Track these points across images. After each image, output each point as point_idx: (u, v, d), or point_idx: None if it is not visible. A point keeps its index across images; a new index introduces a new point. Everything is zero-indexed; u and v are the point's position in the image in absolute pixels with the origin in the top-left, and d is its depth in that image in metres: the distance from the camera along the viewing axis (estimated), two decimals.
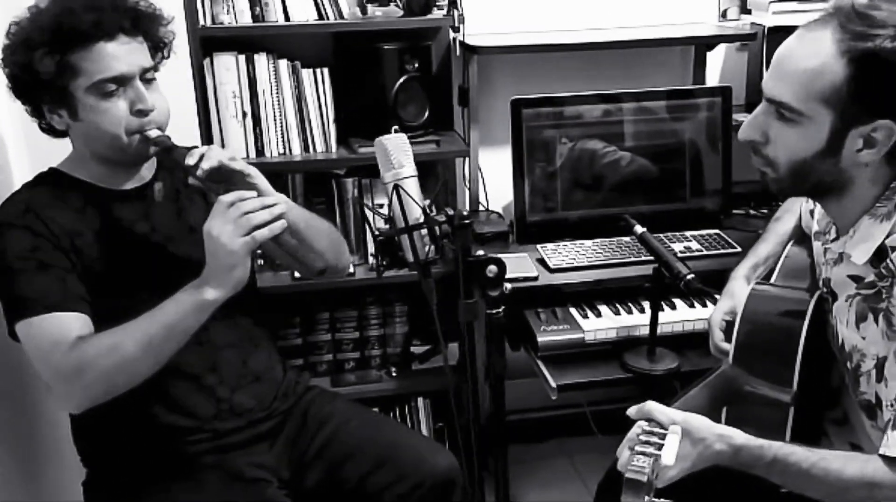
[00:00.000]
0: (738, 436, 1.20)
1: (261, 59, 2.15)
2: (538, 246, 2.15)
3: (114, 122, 1.45)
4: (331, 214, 2.29)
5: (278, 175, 2.15)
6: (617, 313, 1.95)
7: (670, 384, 2.15)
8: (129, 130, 1.47)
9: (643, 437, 1.07)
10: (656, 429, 1.10)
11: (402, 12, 2.17)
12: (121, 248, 1.54)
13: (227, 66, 2.14)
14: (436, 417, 2.48)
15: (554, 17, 2.46)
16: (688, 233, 2.18)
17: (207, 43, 2.12)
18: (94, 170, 1.56)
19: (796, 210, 1.67)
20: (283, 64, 2.17)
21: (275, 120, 2.19)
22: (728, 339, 1.62)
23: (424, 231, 1.35)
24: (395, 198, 1.32)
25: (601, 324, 1.90)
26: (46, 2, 1.47)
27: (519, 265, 2.03)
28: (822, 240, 1.43)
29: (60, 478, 1.89)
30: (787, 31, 2.26)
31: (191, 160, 1.42)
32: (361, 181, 2.29)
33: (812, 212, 1.56)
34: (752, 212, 2.36)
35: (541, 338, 1.86)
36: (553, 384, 1.79)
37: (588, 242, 2.15)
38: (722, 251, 2.10)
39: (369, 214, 2.23)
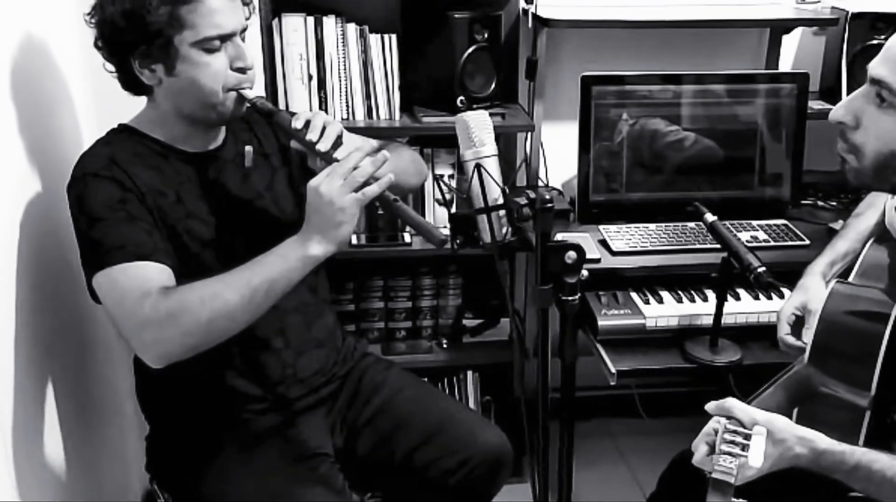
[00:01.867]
0: (821, 440, 1.17)
1: (329, 22, 2.12)
2: (600, 227, 2.12)
3: (215, 77, 1.44)
4: None
5: None
6: (679, 301, 1.91)
7: (726, 376, 2.13)
8: (227, 86, 1.46)
9: (727, 436, 1.05)
10: (740, 429, 1.08)
11: None
12: (200, 209, 1.53)
13: (294, 28, 2.12)
14: (483, 391, 2.48)
15: None
16: (754, 223, 2.12)
17: (277, 2, 2.10)
18: (172, 130, 1.53)
19: (880, 205, 1.62)
20: (351, 28, 2.14)
21: (340, 84, 2.17)
22: (796, 334, 1.59)
23: (502, 212, 1.32)
24: (475, 176, 1.29)
25: (663, 311, 1.87)
26: None
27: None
28: None
29: (121, 435, 1.92)
30: (871, 16, 2.22)
31: (313, 135, 1.42)
32: (423, 150, 2.27)
33: None
34: (820, 203, 2.30)
35: (602, 322, 1.83)
36: (613, 369, 1.77)
37: (652, 226, 2.11)
38: (790, 243, 2.05)
39: (439, 188, 2.20)
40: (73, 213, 1.44)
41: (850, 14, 2.22)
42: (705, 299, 1.92)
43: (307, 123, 1.45)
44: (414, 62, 2.22)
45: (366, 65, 2.17)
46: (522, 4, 2.27)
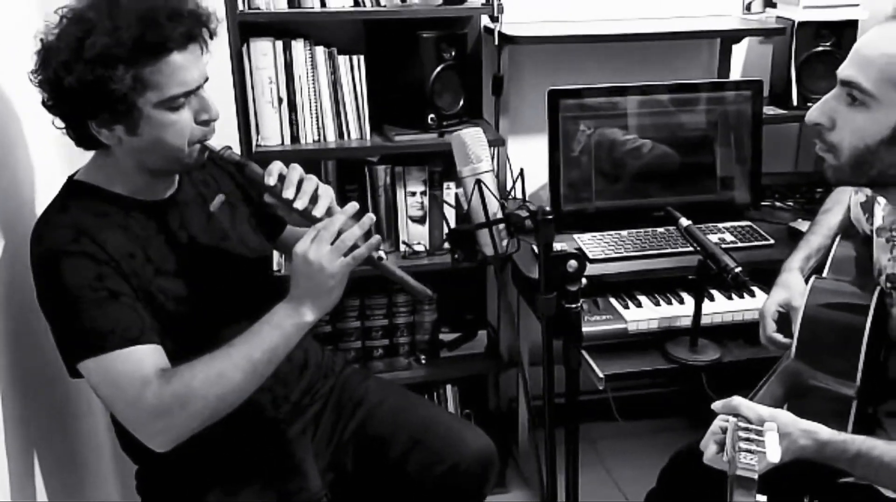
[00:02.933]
0: (823, 432, 1.23)
1: (297, 45, 2.13)
2: (574, 236, 2.17)
3: (180, 133, 1.37)
4: (363, 202, 2.29)
5: (312, 162, 2.14)
6: (657, 304, 1.98)
7: (698, 375, 2.20)
8: (192, 140, 1.40)
9: (742, 434, 1.09)
10: (752, 426, 1.13)
11: (440, 0, 2.16)
12: (168, 263, 1.47)
13: (264, 52, 2.12)
14: (464, 404, 2.51)
15: (582, 8, 2.47)
16: (720, 225, 2.21)
17: (245, 28, 2.10)
18: (132, 183, 1.45)
19: (845, 201, 1.70)
20: (320, 50, 2.15)
21: (310, 106, 2.18)
22: (781, 331, 1.66)
23: (502, 225, 1.36)
24: (475, 193, 1.33)
25: (643, 315, 1.93)
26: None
27: None
28: (885, 235, 1.46)
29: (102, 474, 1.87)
30: (816, 25, 2.33)
31: (289, 192, 1.40)
32: (395, 169, 2.29)
33: (864, 205, 1.59)
34: (778, 204, 2.40)
35: (585, 328, 1.84)
36: (601, 374, 1.82)
37: (623, 232, 2.17)
38: (756, 243, 2.13)
39: (407, 202, 2.22)
40: (44, 294, 1.36)
41: (796, 23, 2.32)
42: (681, 301, 1.99)
43: (281, 178, 1.41)
44: (383, 82, 2.24)
45: (335, 86, 2.18)
46: (486, 23, 2.31)
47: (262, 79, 2.13)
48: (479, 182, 1.32)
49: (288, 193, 1.39)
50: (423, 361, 2.42)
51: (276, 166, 1.42)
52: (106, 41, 1.26)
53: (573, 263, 1.31)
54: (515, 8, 2.35)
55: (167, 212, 1.51)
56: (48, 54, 1.31)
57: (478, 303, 2.56)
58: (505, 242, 1.37)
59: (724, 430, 1.22)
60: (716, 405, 1.24)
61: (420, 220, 2.34)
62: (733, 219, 2.25)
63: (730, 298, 2.00)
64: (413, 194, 2.32)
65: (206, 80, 1.42)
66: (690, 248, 1.91)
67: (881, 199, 1.48)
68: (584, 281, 1.36)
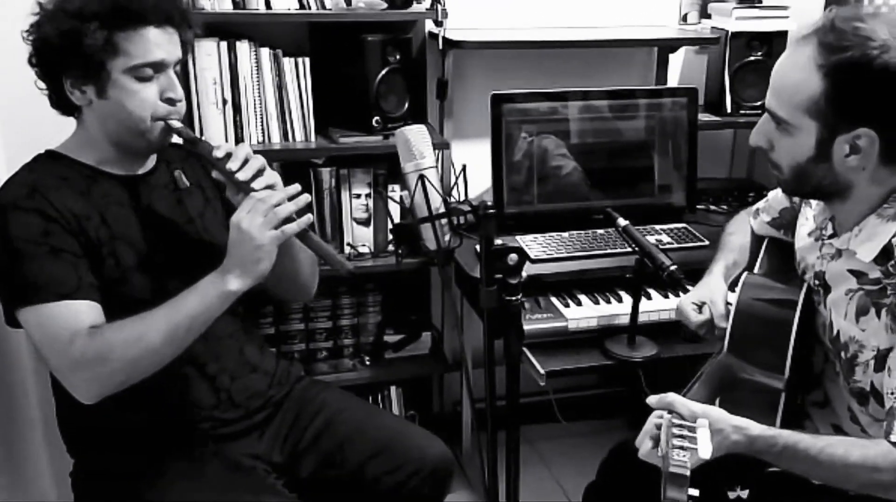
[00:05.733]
0: (753, 427, 1.27)
1: (243, 47, 2.14)
2: (517, 236, 2.21)
3: (143, 104, 1.46)
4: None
5: None
6: (596, 302, 2.02)
7: (636, 372, 2.26)
8: (155, 116, 1.48)
9: (675, 431, 1.12)
10: (685, 422, 1.16)
11: (385, 4, 2.19)
12: (128, 232, 1.53)
13: (208, 52, 2.12)
14: (408, 405, 2.52)
15: (525, 16, 2.53)
16: (658, 227, 2.27)
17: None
18: (101, 154, 1.54)
19: (746, 229, 1.83)
20: (265, 52, 2.16)
21: (255, 108, 2.18)
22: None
23: (444, 220, 1.38)
24: (418, 188, 1.35)
25: (583, 313, 1.97)
26: None
27: None
28: (814, 235, 1.52)
29: (38, 473, 1.84)
30: (748, 35, 2.42)
31: (233, 164, 1.46)
32: (339, 171, 2.30)
33: (773, 223, 1.73)
34: (712, 207, 2.48)
35: (526, 326, 1.90)
36: (541, 370, 1.85)
37: (564, 234, 2.22)
38: (691, 244, 2.20)
39: (352, 203, 2.23)
40: None
41: (729, 33, 2.41)
42: (620, 300, 2.04)
43: (228, 154, 1.48)
44: (327, 84, 2.26)
45: (280, 88, 2.19)
46: (430, 28, 2.35)
47: (207, 80, 2.13)
48: (422, 177, 1.34)
49: (232, 165, 1.45)
50: (368, 363, 2.43)
51: (227, 145, 1.50)
52: None
53: (514, 257, 1.34)
54: (460, 14, 2.39)
55: (137, 187, 1.58)
56: (40, 9, 1.44)
57: (422, 304, 2.58)
58: (447, 237, 1.39)
59: (659, 427, 1.25)
60: (651, 400, 1.28)
61: (365, 222, 2.36)
62: (670, 222, 2.32)
63: (666, 296, 2.06)
64: (358, 196, 2.33)
65: (178, 62, 1.51)
66: (629, 249, 1.95)
67: (813, 203, 1.55)
68: (524, 274, 1.39)
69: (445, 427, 2.59)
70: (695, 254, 2.15)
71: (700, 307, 1.67)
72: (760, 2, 2.42)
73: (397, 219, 2.34)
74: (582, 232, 2.23)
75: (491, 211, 1.32)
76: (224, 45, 2.12)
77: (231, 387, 1.65)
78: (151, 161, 1.63)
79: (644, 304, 1.99)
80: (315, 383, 1.85)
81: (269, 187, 1.47)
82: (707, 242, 2.20)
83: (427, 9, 2.22)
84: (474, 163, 2.34)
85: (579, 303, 2.01)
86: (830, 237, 1.45)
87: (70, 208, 1.45)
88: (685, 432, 1.12)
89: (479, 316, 2.21)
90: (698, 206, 2.44)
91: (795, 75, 1.29)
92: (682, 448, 1.08)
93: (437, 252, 1.38)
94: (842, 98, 1.25)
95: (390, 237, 2.27)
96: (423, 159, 1.39)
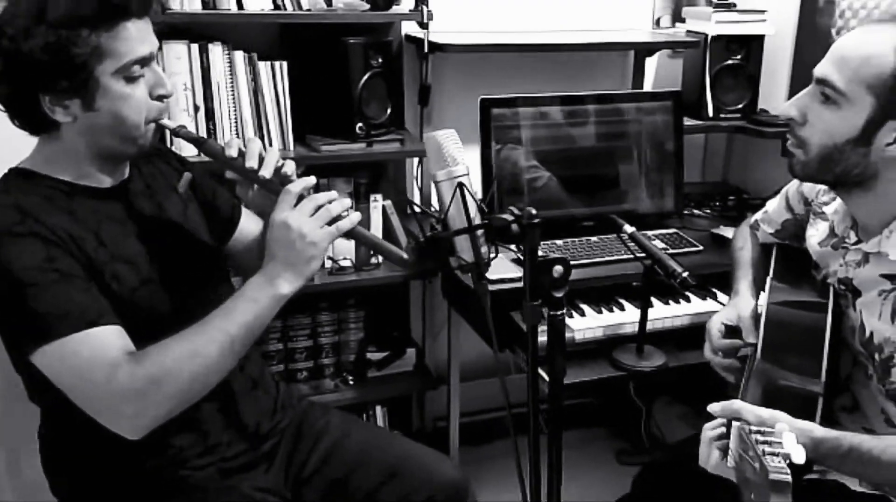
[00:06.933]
0: (817, 430, 1.23)
1: (216, 50, 2.00)
2: (511, 246, 2.13)
3: (137, 108, 1.32)
4: None
5: None
6: (599, 312, 1.96)
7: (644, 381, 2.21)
8: (149, 118, 1.34)
9: (759, 438, 1.07)
10: (765, 428, 1.11)
11: (366, 6, 2.09)
12: (124, 250, 1.39)
13: (178, 55, 1.98)
14: (392, 424, 2.41)
15: (504, 20, 2.47)
16: (649, 233, 2.22)
17: (157, 30, 1.94)
18: (78, 169, 1.38)
19: (752, 241, 1.82)
20: (239, 55, 2.03)
21: (229, 115, 2.05)
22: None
23: (481, 231, 1.29)
24: (456, 197, 1.25)
25: (588, 323, 1.90)
26: None
27: (499, 266, 2.00)
28: (833, 244, 1.50)
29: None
30: (727, 38, 2.41)
31: (252, 162, 1.36)
32: (319, 180, 2.17)
33: (777, 234, 1.73)
34: (696, 211, 2.46)
35: None
36: None
37: (559, 241, 2.15)
38: (686, 249, 2.16)
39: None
40: None
41: (709, 37, 2.40)
42: (622, 309, 1.98)
43: (241, 151, 1.37)
44: (304, 90, 2.13)
45: (256, 94, 2.06)
46: (409, 31, 2.25)
47: (177, 85, 1.98)
48: (461, 185, 1.25)
49: (251, 163, 1.35)
50: (351, 382, 2.31)
51: (236, 140, 1.39)
52: (70, 2, 1.22)
53: (559, 268, 1.26)
54: (438, 17, 2.30)
55: (118, 200, 1.44)
56: (1, 22, 1.24)
57: (402, 319, 2.47)
58: (483, 249, 1.30)
59: (722, 437, 1.20)
60: (713, 408, 1.22)
61: (346, 235, 2.23)
62: (659, 227, 2.28)
63: (667, 303, 2.01)
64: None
65: (159, 50, 1.39)
66: (627, 256, 1.91)
67: (828, 213, 1.52)
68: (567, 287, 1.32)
69: (428, 444, 2.49)
70: (690, 259, 2.11)
71: (727, 329, 1.62)
72: (735, 6, 2.41)
73: (378, 231, 2.24)
74: (576, 239, 2.16)
75: (536, 220, 1.23)
76: (196, 47, 1.99)
77: (238, 409, 1.53)
78: (126, 168, 1.47)
79: (650, 312, 1.94)
80: (316, 406, 1.74)
81: (287, 177, 1.37)
82: (700, 247, 2.17)
83: (411, 10, 2.13)
84: None
85: (583, 314, 1.94)
86: (856, 243, 1.42)
87: (65, 230, 1.29)
88: (770, 438, 1.07)
89: (471, 326, 2.13)
90: (684, 211, 2.41)
91: (869, 49, 1.27)
92: (774, 454, 1.02)
93: (476, 265, 1.29)
94: None
95: (420, 245, 2.14)
96: (457, 166, 1.29)
